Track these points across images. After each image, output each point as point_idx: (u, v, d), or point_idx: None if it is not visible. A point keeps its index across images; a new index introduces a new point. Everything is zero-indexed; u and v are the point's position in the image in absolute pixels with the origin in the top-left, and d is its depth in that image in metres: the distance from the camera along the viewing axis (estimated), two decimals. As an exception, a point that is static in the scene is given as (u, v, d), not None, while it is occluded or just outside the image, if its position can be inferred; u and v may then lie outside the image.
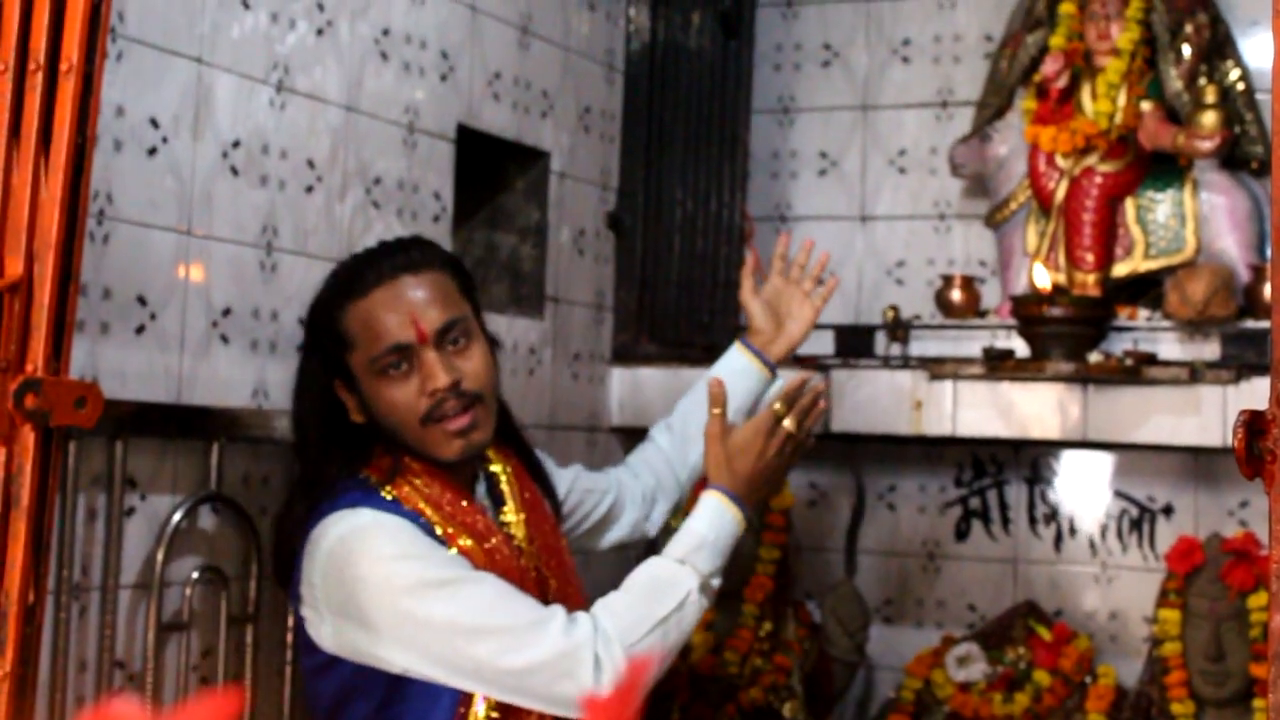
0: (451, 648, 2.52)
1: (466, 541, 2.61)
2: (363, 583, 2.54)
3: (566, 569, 2.84)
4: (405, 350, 2.64)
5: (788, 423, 2.79)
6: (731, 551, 2.75)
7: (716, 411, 2.80)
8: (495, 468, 2.85)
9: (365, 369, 2.66)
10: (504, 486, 2.83)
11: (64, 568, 2.60)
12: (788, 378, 2.97)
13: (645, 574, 2.64)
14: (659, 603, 2.59)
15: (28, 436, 2.21)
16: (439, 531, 2.60)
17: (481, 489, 2.81)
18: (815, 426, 2.90)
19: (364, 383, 2.68)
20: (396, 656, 2.53)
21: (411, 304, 2.66)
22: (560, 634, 2.49)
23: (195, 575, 2.84)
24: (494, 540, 2.66)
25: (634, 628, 2.55)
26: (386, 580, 2.52)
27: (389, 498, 2.61)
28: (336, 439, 2.70)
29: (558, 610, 2.54)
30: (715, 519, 2.70)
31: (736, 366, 3.12)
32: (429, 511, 2.61)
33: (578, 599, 2.80)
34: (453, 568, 2.56)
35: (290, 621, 2.91)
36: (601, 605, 2.58)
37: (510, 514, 2.79)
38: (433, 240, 2.91)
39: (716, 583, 2.70)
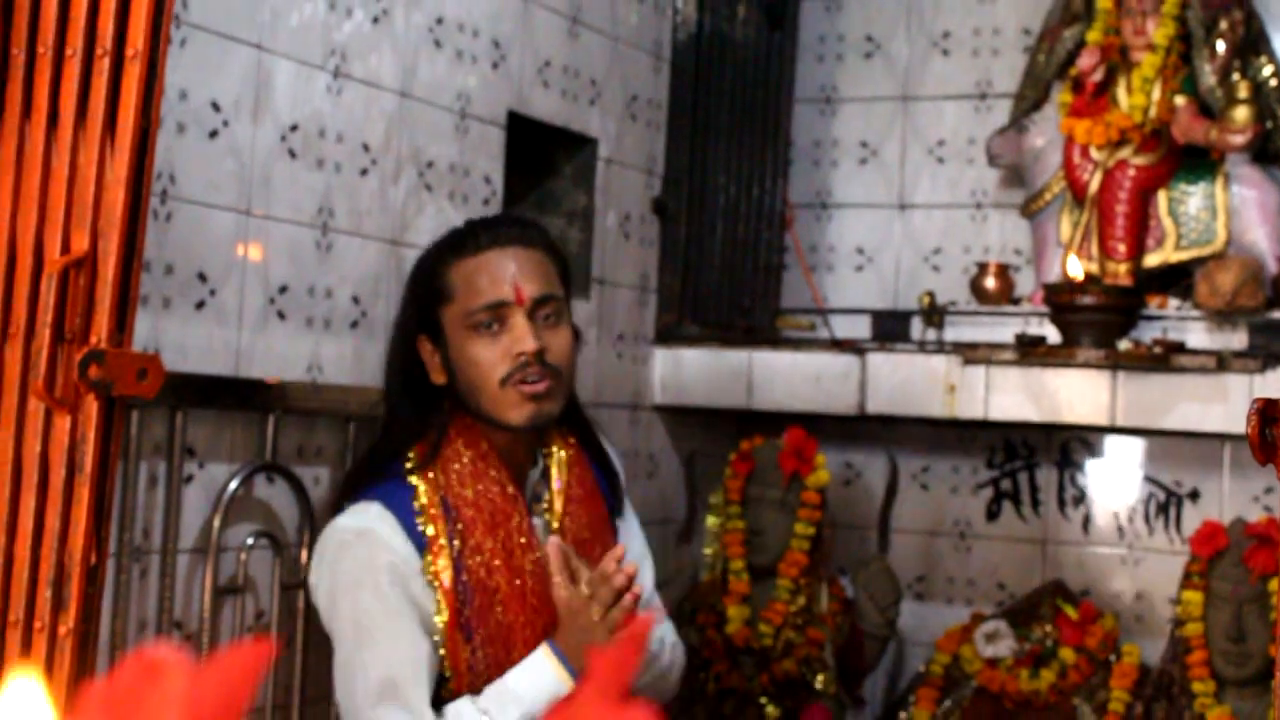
0: (344, 673, 2.63)
1: (446, 554, 2.62)
2: (332, 579, 2.65)
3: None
4: (501, 309, 2.67)
5: (594, 609, 2.61)
6: (547, 706, 2.61)
7: (557, 579, 2.64)
8: (552, 458, 2.84)
9: (458, 322, 2.69)
10: (553, 471, 2.83)
11: (125, 532, 2.63)
12: None
13: (453, 711, 2.60)
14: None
15: (91, 406, 2.25)
16: (429, 536, 2.62)
17: (536, 472, 2.81)
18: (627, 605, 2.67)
19: (453, 337, 2.70)
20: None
21: (516, 270, 2.70)
22: None
23: (250, 541, 2.86)
24: (517, 544, 2.67)
25: None
26: (332, 603, 2.65)
27: (411, 488, 2.65)
28: (410, 399, 2.75)
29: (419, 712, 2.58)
30: (537, 678, 2.62)
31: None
32: (437, 506, 2.64)
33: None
34: (386, 620, 2.60)
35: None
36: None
37: (548, 501, 2.79)
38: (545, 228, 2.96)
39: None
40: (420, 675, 2.59)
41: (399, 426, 2.74)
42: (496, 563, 2.66)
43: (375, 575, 2.60)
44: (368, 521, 2.63)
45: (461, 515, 2.64)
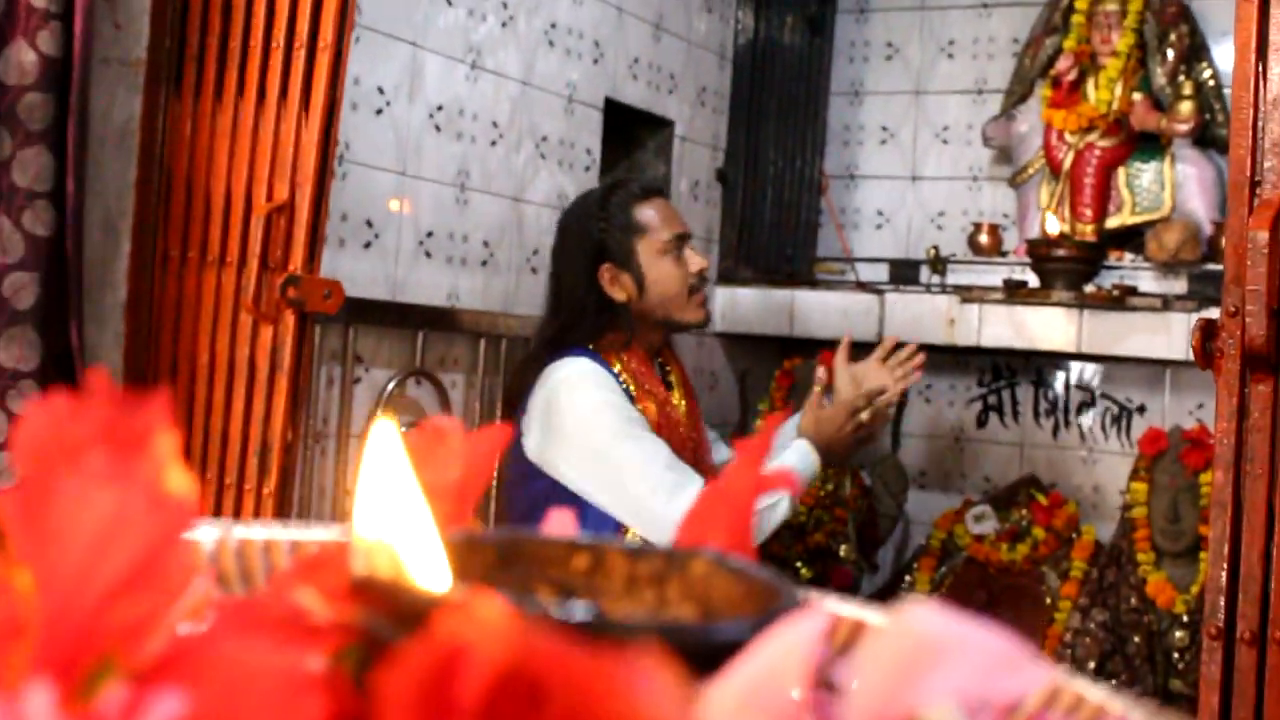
0: (619, 482, 2.57)
1: (650, 406, 2.67)
2: (571, 412, 2.60)
3: (704, 447, 2.90)
4: (684, 239, 2.77)
5: (864, 415, 2.81)
6: (808, 483, 2.87)
7: (818, 389, 2.83)
8: (671, 370, 2.89)
9: (654, 249, 2.73)
10: (673, 377, 2.88)
11: (310, 419, 2.66)
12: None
13: None
14: (762, 500, 2.66)
15: (289, 319, 2.31)
16: (632, 391, 2.66)
17: (657, 374, 2.86)
18: (882, 427, 2.93)
19: (647, 260, 2.73)
20: (576, 477, 2.59)
21: (677, 213, 2.83)
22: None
23: (404, 429, 2.93)
24: (670, 409, 2.73)
25: None
26: (588, 416, 2.58)
27: (608, 363, 2.67)
28: (591, 312, 2.72)
29: (699, 483, 2.56)
30: (801, 457, 2.73)
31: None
32: (628, 377, 2.68)
33: (711, 475, 2.88)
34: (640, 424, 2.61)
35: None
36: None
37: (678, 397, 2.85)
38: None
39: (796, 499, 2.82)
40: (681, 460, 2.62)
41: (585, 325, 2.71)
42: (676, 416, 2.75)
43: (613, 393, 2.62)
44: (588, 365, 2.64)
45: (646, 381, 2.71)
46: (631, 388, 2.68)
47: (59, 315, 2.12)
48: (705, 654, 0.32)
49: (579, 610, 0.36)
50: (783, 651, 0.30)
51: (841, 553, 3.69)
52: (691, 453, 2.77)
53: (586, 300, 2.73)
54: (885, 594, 3.80)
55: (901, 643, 0.30)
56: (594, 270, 2.73)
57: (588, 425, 2.59)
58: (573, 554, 0.44)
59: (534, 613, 0.33)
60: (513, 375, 2.88)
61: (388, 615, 0.36)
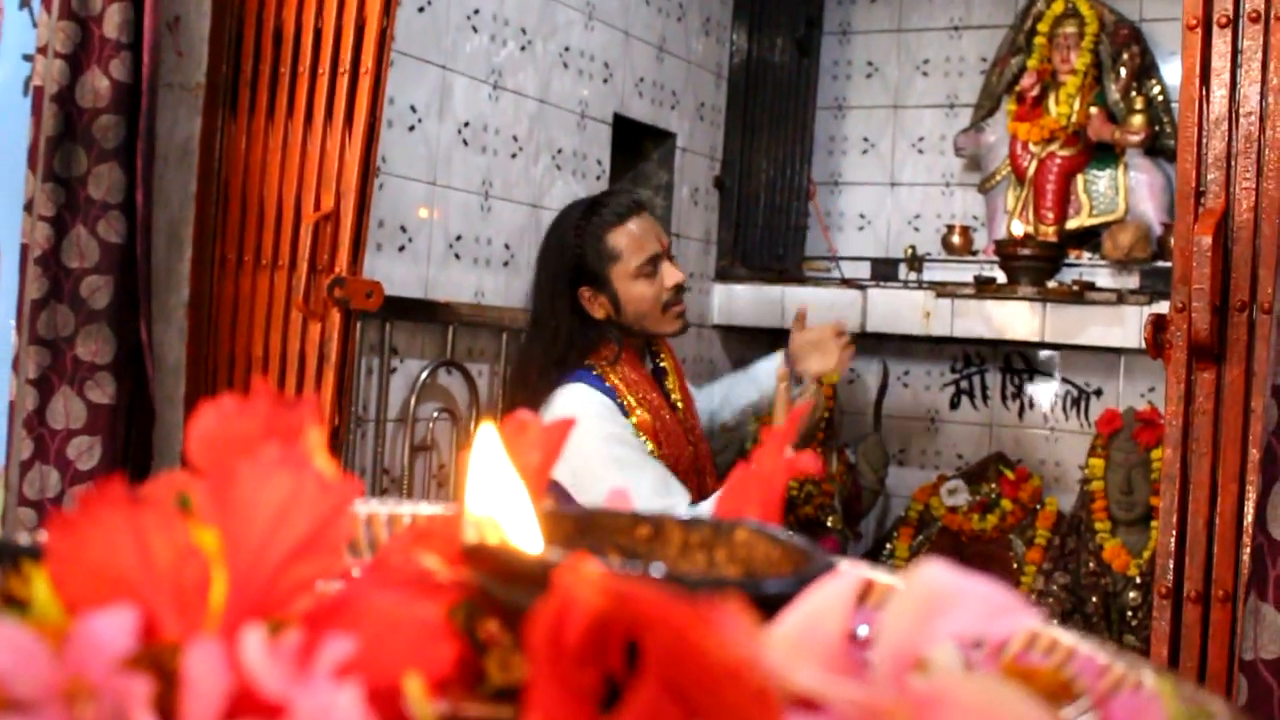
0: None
1: (644, 415, 2.65)
2: (576, 446, 2.63)
3: (699, 432, 2.92)
4: (657, 258, 2.72)
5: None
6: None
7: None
8: (663, 357, 2.90)
9: (627, 274, 2.68)
10: (668, 369, 2.88)
11: (352, 405, 2.65)
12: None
13: (708, 502, 2.58)
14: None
15: (335, 316, 2.35)
16: (627, 404, 2.64)
17: (649, 367, 2.87)
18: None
19: (621, 285, 2.68)
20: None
21: (654, 229, 2.75)
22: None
23: (435, 414, 2.92)
24: (664, 412, 2.73)
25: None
26: (592, 450, 2.54)
27: (604, 380, 2.64)
28: (579, 333, 2.69)
29: (684, 498, 2.54)
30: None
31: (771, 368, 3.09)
32: (623, 390, 2.66)
33: (708, 453, 2.91)
34: (636, 448, 2.58)
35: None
36: (704, 504, 2.57)
37: (674, 391, 2.86)
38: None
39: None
40: (675, 480, 2.59)
41: (577, 345, 2.68)
42: (666, 414, 2.74)
43: (614, 425, 2.59)
44: (586, 394, 2.61)
45: (637, 389, 2.70)
46: (628, 399, 2.65)
47: (130, 314, 2.16)
48: (760, 605, 0.37)
49: (656, 569, 0.41)
50: (826, 602, 0.35)
51: (829, 523, 3.69)
52: (693, 449, 2.78)
53: (571, 319, 2.70)
54: (868, 559, 3.81)
55: (918, 593, 0.34)
56: (573, 291, 2.70)
57: (588, 459, 2.55)
58: (636, 524, 0.49)
59: (628, 571, 0.38)
60: (511, 393, 2.82)
61: (497, 576, 0.41)
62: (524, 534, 0.44)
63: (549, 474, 0.55)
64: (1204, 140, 1.71)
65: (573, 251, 2.70)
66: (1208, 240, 1.64)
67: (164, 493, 0.42)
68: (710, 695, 0.31)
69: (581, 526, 0.49)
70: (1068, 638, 0.50)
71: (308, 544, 0.37)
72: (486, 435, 0.46)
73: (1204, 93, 1.72)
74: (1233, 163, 1.69)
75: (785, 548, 0.45)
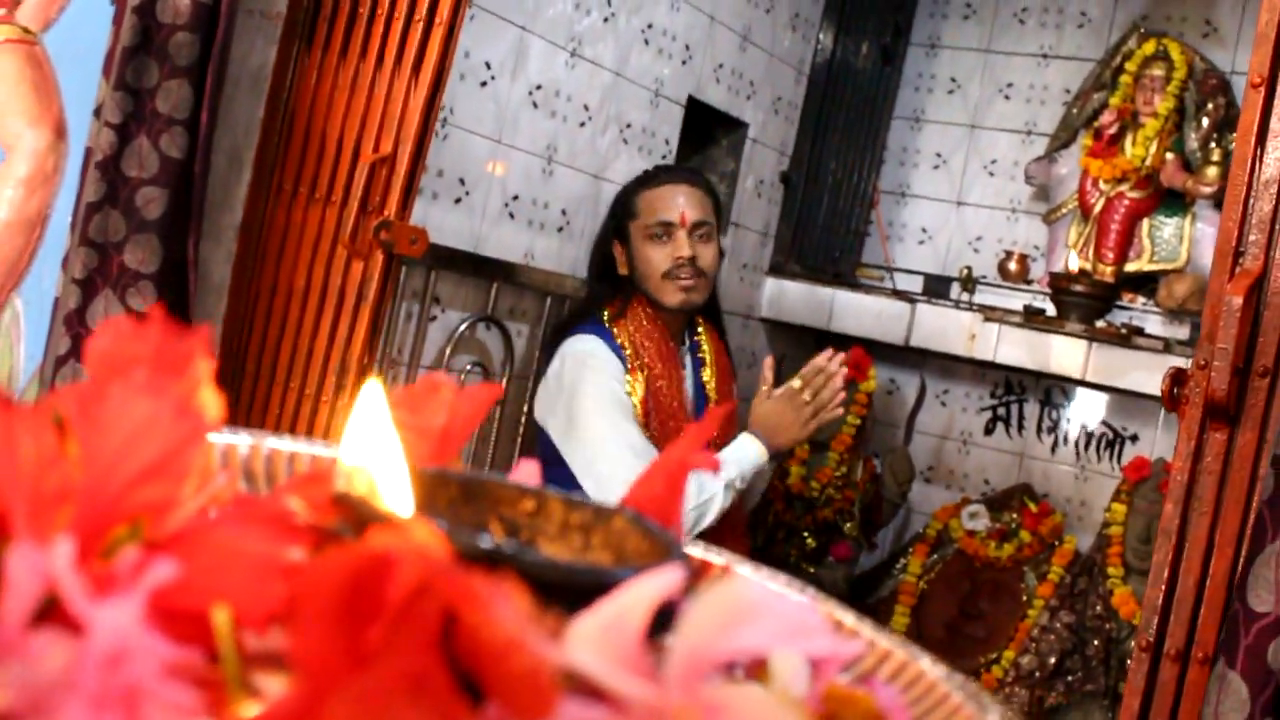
0: (588, 458, 2.61)
1: (639, 377, 2.71)
2: (569, 387, 2.68)
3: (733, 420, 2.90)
4: (668, 226, 2.81)
5: (805, 395, 2.71)
6: (753, 472, 2.69)
7: (765, 388, 2.76)
8: (701, 338, 2.95)
9: (640, 233, 2.85)
10: (705, 352, 2.92)
11: (388, 347, 2.72)
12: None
13: (693, 481, 2.56)
14: (697, 496, 2.58)
15: (378, 257, 2.37)
16: (631, 365, 2.72)
17: (685, 347, 2.91)
18: (836, 402, 2.74)
19: (636, 243, 2.86)
20: (560, 442, 2.66)
21: (683, 200, 2.84)
22: None
23: (469, 368, 2.94)
24: (659, 385, 2.75)
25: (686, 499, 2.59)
26: (584, 389, 2.66)
27: (614, 337, 2.75)
28: (604, 281, 2.91)
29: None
30: (740, 450, 2.67)
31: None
32: (628, 345, 2.74)
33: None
34: (624, 410, 2.66)
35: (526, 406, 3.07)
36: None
37: (708, 373, 2.91)
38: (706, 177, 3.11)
39: (740, 484, 2.66)
40: (654, 451, 2.59)
41: (595, 294, 2.89)
42: (670, 389, 2.77)
43: (610, 381, 2.68)
44: (592, 344, 2.73)
45: (646, 353, 2.76)
46: (628, 353, 2.73)
47: (180, 228, 2.19)
48: (575, 591, 0.38)
49: (485, 540, 0.42)
50: (634, 598, 0.35)
51: (846, 529, 3.71)
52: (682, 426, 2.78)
53: (603, 270, 2.92)
54: (879, 571, 3.83)
55: (723, 601, 0.35)
56: (610, 245, 2.93)
57: (574, 404, 2.65)
58: (521, 497, 0.50)
59: (459, 540, 0.38)
60: (547, 333, 3.00)
61: (354, 526, 0.42)
62: (394, 491, 0.45)
63: (463, 437, 0.56)
64: (1250, 200, 1.68)
65: (617, 205, 2.95)
66: (1238, 301, 1.62)
67: (53, 403, 0.43)
68: (489, 671, 0.32)
69: (466, 493, 0.49)
70: (934, 670, 0.50)
71: (154, 468, 0.38)
72: (371, 390, 0.46)
73: (1258, 153, 1.69)
74: (1276, 227, 1.67)
75: (654, 541, 0.46)
